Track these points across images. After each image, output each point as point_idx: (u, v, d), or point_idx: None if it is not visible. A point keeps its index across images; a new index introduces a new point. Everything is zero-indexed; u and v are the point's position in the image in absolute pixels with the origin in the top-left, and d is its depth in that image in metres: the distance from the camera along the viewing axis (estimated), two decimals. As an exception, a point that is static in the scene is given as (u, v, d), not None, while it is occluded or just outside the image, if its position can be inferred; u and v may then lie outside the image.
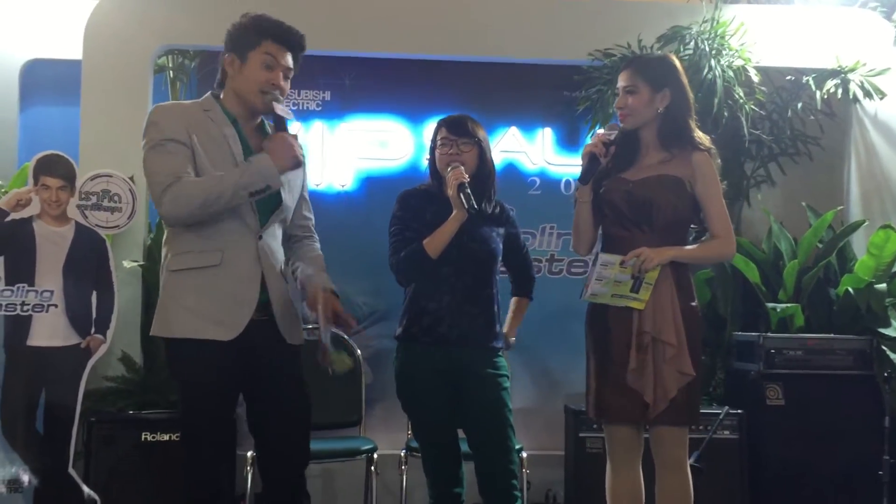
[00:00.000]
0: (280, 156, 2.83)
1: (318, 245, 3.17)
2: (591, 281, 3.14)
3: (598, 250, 3.23)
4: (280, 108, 2.90)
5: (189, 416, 2.89)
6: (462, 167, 3.31)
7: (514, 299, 3.63)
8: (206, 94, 3.01)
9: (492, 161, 3.47)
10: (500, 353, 3.39)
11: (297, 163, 2.89)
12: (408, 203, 3.44)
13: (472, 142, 3.38)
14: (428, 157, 3.52)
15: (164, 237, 2.96)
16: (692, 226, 3.24)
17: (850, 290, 4.81)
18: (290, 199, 3.03)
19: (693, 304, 3.16)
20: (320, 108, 5.25)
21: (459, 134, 3.38)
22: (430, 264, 3.29)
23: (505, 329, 3.51)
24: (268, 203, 2.93)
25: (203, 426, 2.88)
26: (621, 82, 3.19)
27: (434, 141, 3.44)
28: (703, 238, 3.26)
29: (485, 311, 3.35)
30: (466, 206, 3.22)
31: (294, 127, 2.99)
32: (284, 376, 2.97)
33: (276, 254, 2.99)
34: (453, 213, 3.27)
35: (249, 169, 2.80)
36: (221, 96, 2.99)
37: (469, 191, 3.25)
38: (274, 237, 3.00)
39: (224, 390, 2.89)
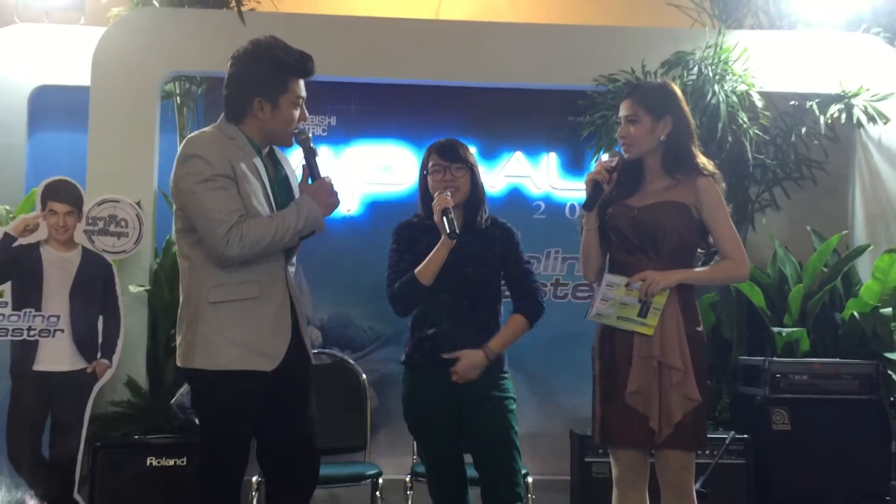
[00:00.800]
0: (323, 202, 2.96)
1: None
2: (596, 301, 3.14)
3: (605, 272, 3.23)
4: (315, 148, 3.05)
5: (217, 443, 2.89)
6: (448, 193, 3.29)
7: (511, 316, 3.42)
8: (222, 120, 2.98)
9: (482, 183, 3.46)
10: (505, 376, 3.38)
11: (335, 208, 3.02)
12: (401, 235, 3.44)
13: (464, 167, 3.37)
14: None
15: (188, 266, 2.92)
16: (700, 250, 3.24)
17: (856, 314, 4.81)
18: None
19: (699, 328, 3.15)
20: (326, 134, 5.27)
21: (452, 160, 3.37)
22: (424, 292, 3.29)
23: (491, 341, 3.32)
24: None
25: (230, 455, 2.88)
26: (622, 112, 3.20)
27: (425, 167, 3.42)
28: (713, 261, 3.25)
29: (485, 333, 3.33)
30: (448, 231, 3.22)
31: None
32: (302, 399, 3.01)
33: (293, 277, 3.05)
34: (441, 239, 3.27)
35: (302, 214, 2.90)
36: (242, 127, 2.96)
37: (452, 216, 3.24)
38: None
39: (253, 419, 2.91)
